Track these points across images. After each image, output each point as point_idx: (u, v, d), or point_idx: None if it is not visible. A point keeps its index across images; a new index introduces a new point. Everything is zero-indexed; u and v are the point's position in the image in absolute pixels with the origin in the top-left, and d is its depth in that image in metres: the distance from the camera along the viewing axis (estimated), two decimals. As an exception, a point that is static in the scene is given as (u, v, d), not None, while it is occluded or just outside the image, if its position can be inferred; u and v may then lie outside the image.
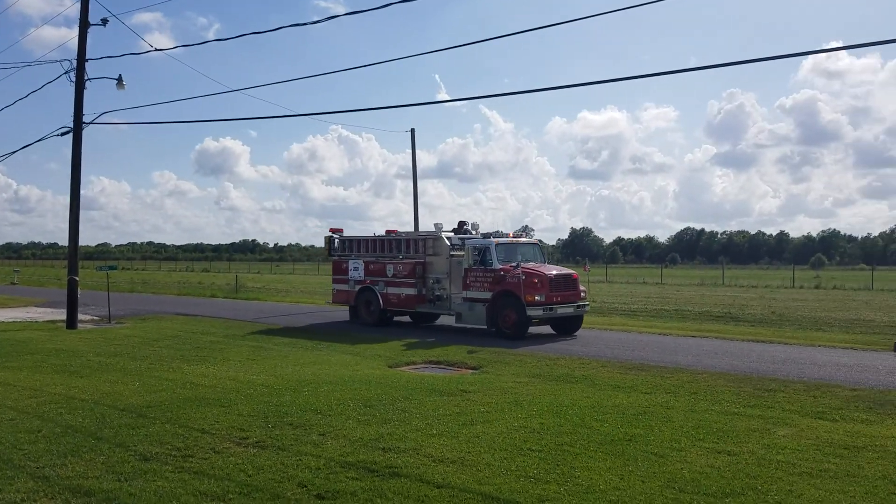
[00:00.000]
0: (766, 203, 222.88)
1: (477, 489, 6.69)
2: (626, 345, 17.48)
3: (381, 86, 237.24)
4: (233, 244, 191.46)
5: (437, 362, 15.23)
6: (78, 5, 21.43)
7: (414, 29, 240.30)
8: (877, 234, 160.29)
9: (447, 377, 13.21)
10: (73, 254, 21.96)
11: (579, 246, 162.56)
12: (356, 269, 22.83)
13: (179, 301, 33.99)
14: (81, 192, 21.87)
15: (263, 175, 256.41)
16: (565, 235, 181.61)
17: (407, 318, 23.11)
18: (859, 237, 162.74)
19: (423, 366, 14.91)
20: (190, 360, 14.84)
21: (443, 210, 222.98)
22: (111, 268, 28.41)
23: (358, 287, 22.70)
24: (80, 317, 22.30)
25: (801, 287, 46.66)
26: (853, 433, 8.87)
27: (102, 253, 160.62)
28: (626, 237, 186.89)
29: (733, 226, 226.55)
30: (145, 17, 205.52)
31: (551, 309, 18.52)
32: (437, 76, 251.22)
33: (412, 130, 35.94)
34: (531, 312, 18.22)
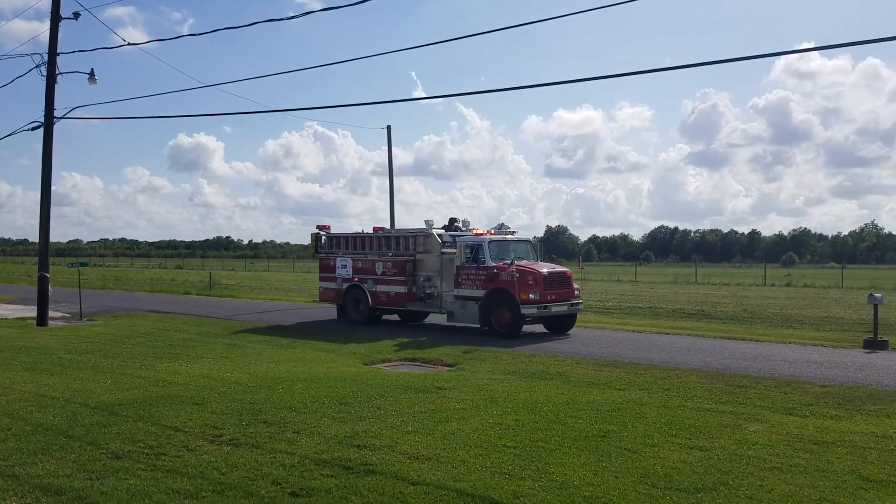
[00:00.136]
0: (738, 202, 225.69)
1: (452, 486, 6.70)
2: (601, 342, 17.59)
3: (357, 82, 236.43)
4: (206, 241, 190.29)
5: (413, 360, 15.22)
6: (49, -2, 21.13)
7: (390, 26, 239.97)
8: (846, 233, 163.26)
9: (423, 374, 13.21)
10: (44, 250, 21.66)
11: (555, 244, 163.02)
12: (344, 266, 22.51)
13: (152, 298, 33.65)
14: (53, 187, 21.63)
15: (238, 171, 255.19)
16: (541, 233, 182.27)
17: (395, 317, 22.86)
18: (829, 236, 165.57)
19: (398, 363, 14.89)
20: (163, 358, 14.70)
21: (419, 208, 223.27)
22: (83, 264, 28.01)
23: (346, 285, 22.39)
24: (51, 314, 21.99)
25: (773, 285, 47.22)
26: (823, 429, 9.00)
27: (74, 249, 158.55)
28: (600, 235, 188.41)
29: (706, 224, 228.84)
30: (118, 11, 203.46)
31: (545, 307, 18.28)
32: (413, 73, 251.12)
33: (388, 128, 35.87)
34: (525, 311, 17.97)
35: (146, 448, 7.88)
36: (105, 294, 36.14)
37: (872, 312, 17.33)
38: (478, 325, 19.07)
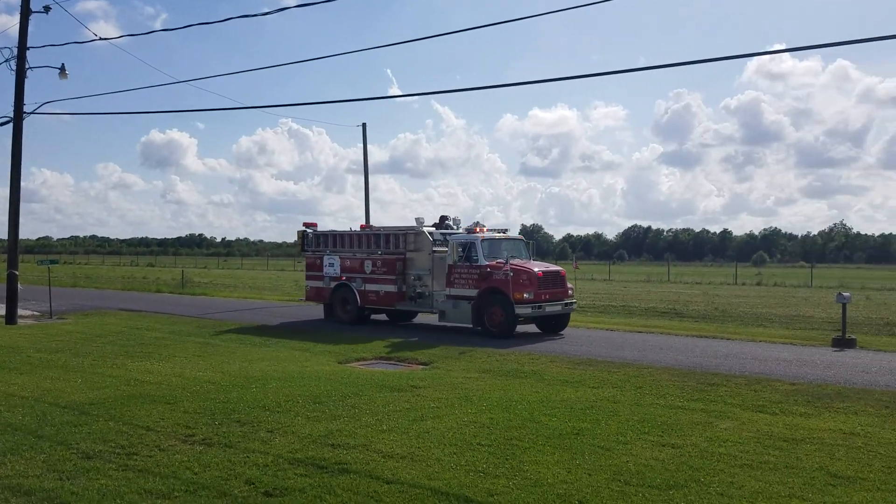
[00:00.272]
0: (710, 202, 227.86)
1: (427, 484, 6.72)
2: (574, 340, 17.69)
3: (332, 80, 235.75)
4: (179, 238, 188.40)
5: (388, 358, 15.21)
6: (19, -8, 20.81)
7: (366, 23, 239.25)
8: (816, 233, 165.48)
9: (397, 373, 13.20)
10: (13, 247, 21.35)
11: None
12: (331, 265, 22.11)
13: (123, 296, 33.27)
14: (22, 183, 21.30)
15: (211, 168, 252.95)
16: (516, 232, 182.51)
17: (383, 317, 22.49)
18: (799, 236, 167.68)
19: (373, 362, 14.87)
20: (134, 357, 14.56)
21: (395, 206, 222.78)
22: (53, 262, 27.60)
23: (334, 284, 22.00)
24: (20, 312, 21.67)
25: (744, 284, 47.80)
26: (792, 426, 9.13)
27: (44, 247, 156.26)
28: (575, 234, 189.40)
29: (679, 224, 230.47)
30: (90, 4, 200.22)
31: (540, 307, 18.02)
32: (389, 71, 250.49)
33: (363, 125, 35.77)
34: (520, 311, 17.72)
35: (117, 448, 7.80)
36: (76, 292, 35.68)
37: (841, 311, 17.62)
38: (470, 325, 18.77)
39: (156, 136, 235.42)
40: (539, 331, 19.34)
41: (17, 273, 21.04)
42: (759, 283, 48.01)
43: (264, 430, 8.59)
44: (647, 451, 7.89)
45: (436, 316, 20.05)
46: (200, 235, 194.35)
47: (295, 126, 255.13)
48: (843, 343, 16.75)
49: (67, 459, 7.38)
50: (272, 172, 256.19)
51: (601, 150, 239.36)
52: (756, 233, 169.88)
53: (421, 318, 22.49)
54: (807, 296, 35.29)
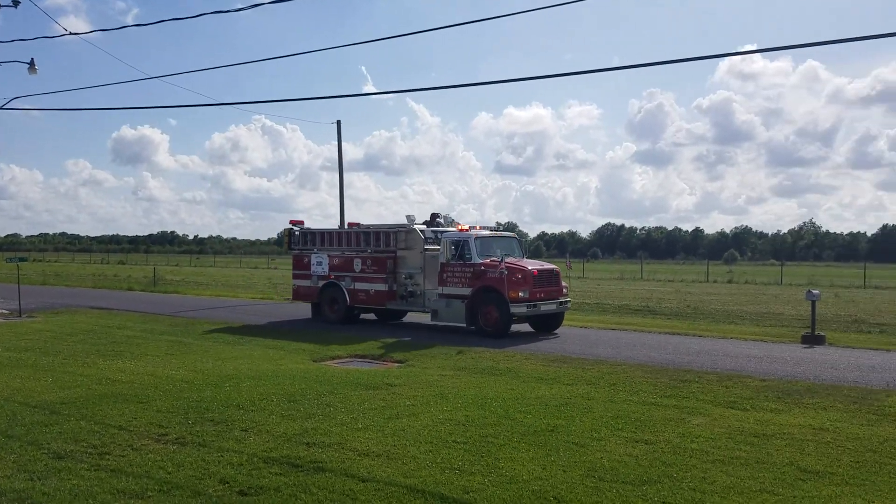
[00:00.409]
0: (682, 200, 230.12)
1: (403, 482, 6.72)
2: (549, 338, 17.76)
3: (306, 76, 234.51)
4: (150, 236, 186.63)
5: (363, 356, 15.18)
6: (-14, -16, 20.46)
7: (341, 20, 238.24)
8: (786, 231, 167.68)
9: (372, 371, 13.19)
10: (-20, 245, 21.01)
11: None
12: (319, 263, 21.75)
13: (94, 294, 32.86)
14: (-11, 180, 20.97)
15: (183, 165, 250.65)
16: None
17: (372, 316, 22.10)
18: (770, 234, 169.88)
19: (348, 360, 14.84)
20: (106, 356, 14.40)
21: (369, 203, 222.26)
22: (22, 259, 27.24)
23: (322, 283, 21.63)
24: (-12, 311, 21.36)
25: (715, 281, 48.31)
26: (763, 422, 9.26)
27: (12, 244, 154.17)
28: (549, 232, 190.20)
29: (652, 222, 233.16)
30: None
31: (535, 306, 17.71)
32: (363, 68, 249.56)
33: (338, 122, 35.65)
34: (515, 310, 17.38)
35: (89, 447, 7.72)
36: (45, 290, 35.19)
37: (810, 308, 17.85)
38: (464, 325, 18.50)
39: (127, 132, 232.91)
40: (532, 330, 19.14)
41: (-16, 271, 20.70)
42: (730, 281, 48.55)
43: (238, 429, 8.54)
44: (620, 447, 7.96)
45: (427, 315, 19.80)
46: (172, 233, 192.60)
47: (269, 123, 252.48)
48: (812, 340, 16.97)
49: (38, 460, 7.29)
50: (245, 169, 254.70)
51: (575, 148, 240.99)
52: (727, 231, 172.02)
53: (411, 318, 22.25)
54: (777, 293, 35.75)
